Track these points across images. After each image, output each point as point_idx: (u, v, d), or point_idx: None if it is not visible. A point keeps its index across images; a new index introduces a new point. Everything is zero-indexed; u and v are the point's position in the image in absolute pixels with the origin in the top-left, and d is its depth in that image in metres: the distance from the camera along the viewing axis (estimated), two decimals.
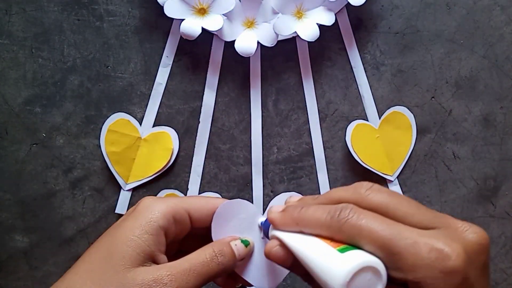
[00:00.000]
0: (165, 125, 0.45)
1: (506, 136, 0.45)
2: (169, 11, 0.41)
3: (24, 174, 0.45)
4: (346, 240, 0.24)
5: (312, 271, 0.24)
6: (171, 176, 0.45)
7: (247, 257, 0.31)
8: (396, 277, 0.23)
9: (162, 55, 0.44)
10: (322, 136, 0.45)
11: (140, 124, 0.44)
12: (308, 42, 0.43)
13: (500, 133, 0.45)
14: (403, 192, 0.45)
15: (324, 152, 0.45)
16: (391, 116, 0.45)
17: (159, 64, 0.44)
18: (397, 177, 0.45)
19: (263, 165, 0.45)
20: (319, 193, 0.44)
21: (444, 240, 0.22)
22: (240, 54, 0.42)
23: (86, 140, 0.45)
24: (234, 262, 0.29)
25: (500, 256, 0.46)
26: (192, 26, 0.41)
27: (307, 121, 0.45)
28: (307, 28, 0.42)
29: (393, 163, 0.45)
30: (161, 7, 0.41)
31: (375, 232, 0.23)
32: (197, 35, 0.41)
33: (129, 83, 0.45)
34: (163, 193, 0.44)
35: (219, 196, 0.45)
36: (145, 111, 0.45)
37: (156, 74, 0.44)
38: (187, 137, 0.45)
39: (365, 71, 0.45)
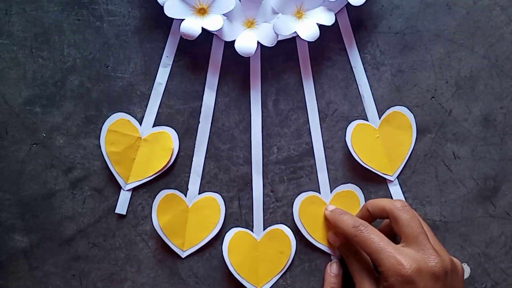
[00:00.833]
0: (165, 125, 0.45)
1: (506, 136, 0.45)
2: (169, 11, 0.41)
3: (24, 174, 0.45)
4: (357, 244, 0.38)
5: None
6: (171, 176, 0.45)
7: None
8: (383, 285, 0.36)
9: (162, 55, 0.44)
10: (322, 136, 0.45)
11: (140, 124, 0.44)
12: (308, 42, 0.43)
13: (500, 133, 0.45)
14: (403, 193, 0.45)
15: (324, 152, 0.45)
16: (391, 116, 0.45)
17: (159, 64, 0.44)
18: (397, 177, 0.45)
19: (263, 165, 0.45)
20: (319, 192, 0.45)
21: (410, 258, 0.35)
22: (240, 54, 0.42)
23: (86, 140, 0.45)
24: None
25: (500, 256, 0.46)
26: (192, 26, 0.41)
27: (307, 121, 0.45)
28: (307, 28, 0.42)
29: (393, 163, 0.45)
30: (161, 7, 0.41)
31: (373, 244, 0.36)
32: (197, 35, 0.41)
33: (129, 83, 0.45)
34: (163, 193, 0.44)
35: (219, 196, 0.45)
36: (145, 111, 0.45)
37: (156, 74, 0.45)
38: (187, 137, 0.45)
39: (365, 71, 0.45)
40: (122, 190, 0.45)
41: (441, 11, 0.44)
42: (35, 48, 0.44)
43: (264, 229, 0.45)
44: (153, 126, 0.45)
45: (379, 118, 0.45)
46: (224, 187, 0.45)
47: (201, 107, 0.45)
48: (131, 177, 0.44)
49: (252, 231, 0.45)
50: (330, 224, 0.44)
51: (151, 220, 0.44)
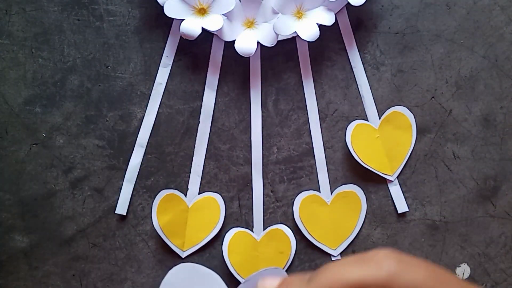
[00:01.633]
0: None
1: (506, 136, 0.45)
2: (169, 11, 0.41)
3: (24, 174, 0.45)
4: None
5: None
6: (171, 177, 0.45)
7: None
8: None
9: (162, 55, 0.44)
10: (322, 136, 0.45)
11: (142, 121, 0.44)
12: (308, 42, 0.43)
13: (500, 133, 0.45)
14: (403, 192, 0.45)
15: (324, 152, 0.45)
16: (391, 116, 0.45)
17: (159, 64, 0.44)
18: (397, 177, 0.45)
19: (263, 165, 0.45)
20: (319, 192, 0.45)
21: None
22: (240, 54, 0.42)
23: (86, 140, 0.45)
24: None
25: (500, 256, 0.46)
26: (192, 26, 0.41)
27: (307, 121, 0.45)
28: (307, 28, 0.42)
29: (393, 163, 0.45)
30: (161, 7, 0.41)
31: None
32: (197, 35, 0.41)
33: (129, 83, 0.45)
34: (163, 193, 0.44)
35: (219, 196, 0.45)
36: (145, 111, 0.45)
37: (156, 74, 0.45)
38: (187, 137, 0.45)
39: (365, 71, 0.45)
40: (123, 188, 0.44)
41: (441, 11, 0.44)
42: (35, 48, 0.44)
43: (264, 229, 0.45)
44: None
45: (379, 118, 0.45)
46: (224, 187, 0.45)
47: (201, 107, 0.45)
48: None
49: (252, 231, 0.45)
50: (329, 224, 0.44)
51: (151, 220, 0.44)
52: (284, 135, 0.45)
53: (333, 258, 0.45)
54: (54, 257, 0.45)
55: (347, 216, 0.45)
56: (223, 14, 0.41)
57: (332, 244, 0.45)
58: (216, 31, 0.42)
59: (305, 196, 0.44)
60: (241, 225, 0.45)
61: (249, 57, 0.44)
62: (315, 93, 0.45)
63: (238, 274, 0.43)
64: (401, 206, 0.45)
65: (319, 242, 0.44)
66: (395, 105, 0.45)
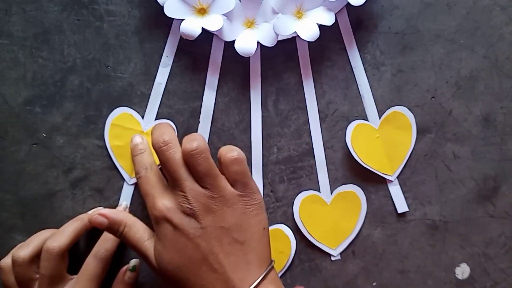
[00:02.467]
0: (165, 118, 0.45)
1: (506, 136, 0.45)
2: (169, 11, 0.41)
3: (24, 174, 0.45)
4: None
5: None
6: None
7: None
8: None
9: (162, 55, 0.44)
10: (322, 136, 0.45)
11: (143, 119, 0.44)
12: (308, 42, 0.43)
13: (500, 133, 0.45)
14: (403, 192, 0.45)
15: (324, 152, 0.45)
16: (391, 116, 0.45)
17: (159, 64, 0.44)
18: (397, 177, 0.45)
19: (263, 165, 0.45)
20: (319, 192, 0.45)
21: (166, 199, 0.38)
22: (240, 54, 0.42)
23: (86, 140, 0.45)
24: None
25: (500, 256, 0.46)
26: (192, 26, 0.41)
27: (307, 121, 0.45)
28: (307, 28, 0.42)
29: (393, 163, 0.45)
30: (161, 7, 0.41)
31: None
32: (197, 35, 0.41)
33: (129, 83, 0.45)
34: None
35: None
36: (145, 111, 0.45)
37: (156, 74, 0.44)
38: None
39: (365, 71, 0.45)
40: (123, 188, 0.44)
41: (441, 11, 0.44)
42: (35, 48, 0.44)
43: None
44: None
45: (379, 118, 0.45)
46: None
47: (201, 107, 0.45)
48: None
49: None
50: (329, 224, 0.44)
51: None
52: (284, 135, 0.45)
53: (333, 258, 0.45)
54: None
55: (347, 216, 0.45)
56: (223, 14, 0.41)
57: (332, 244, 0.45)
58: (216, 31, 0.42)
59: (305, 196, 0.45)
60: None
61: (249, 57, 0.44)
62: (315, 93, 0.45)
63: None
64: (401, 206, 0.45)
65: (319, 242, 0.44)
66: (395, 105, 0.45)
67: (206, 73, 0.45)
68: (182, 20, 0.41)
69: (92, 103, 0.45)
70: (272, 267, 0.37)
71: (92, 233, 0.44)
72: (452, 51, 0.45)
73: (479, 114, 0.45)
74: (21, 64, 0.44)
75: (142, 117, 0.44)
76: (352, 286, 0.45)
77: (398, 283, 0.45)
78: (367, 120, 0.45)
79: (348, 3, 0.41)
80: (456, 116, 0.45)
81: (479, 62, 0.45)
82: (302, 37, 0.41)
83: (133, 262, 0.43)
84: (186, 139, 0.37)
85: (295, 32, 0.42)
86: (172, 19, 0.42)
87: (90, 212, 0.44)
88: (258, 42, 0.42)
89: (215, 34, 0.43)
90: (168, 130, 0.38)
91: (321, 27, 0.42)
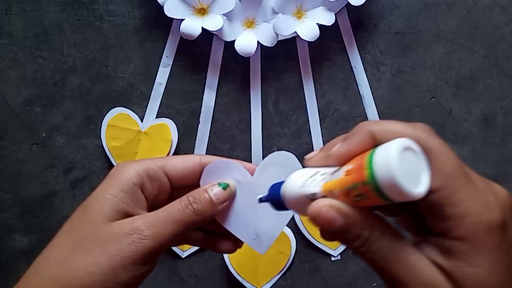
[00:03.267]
0: (165, 117, 0.44)
1: (506, 136, 0.45)
2: (169, 11, 0.41)
3: (24, 174, 0.45)
4: None
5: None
6: None
7: (229, 204, 0.29)
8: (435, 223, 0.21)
9: (162, 55, 0.44)
10: (322, 136, 0.45)
11: (142, 121, 0.44)
12: (308, 42, 0.43)
13: (500, 133, 0.45)
14: None
15: None
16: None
17: (159, 64, 0.44)
18: None
19: None
20: None
21: (489, 195, 0.21)
22: (240, 54, 0.42)
23: (86, 140, 0.45)
24: (213, 208, 0.28)
25: None
26: (192, 26, 0.41)
27: (307, 121, 0.45)
28: (307, 28, 0.42)
29: None
30: (161, 7, 0.41)
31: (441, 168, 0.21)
32: (197, 35, 0.41)
33: (129, 83, 0.45)
34: None
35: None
36: (145, 111, 0.45)
37: (156, 74, 0.44)
38: (187, 137, 0.45)
39: (365, 71, 0.45)
40: None
41: (441, 11, 0.44)
42: (35, 48, 0.44)
43: None
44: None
45: (379, 118, 0.45)
46: None
47: (201, 107, 0.45)
48: None
49: None
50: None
51: None
52: (284, 135, 0.45)
53: (333, 259, 0.45)
54: None
55: None
56: (223, 14, 0.41)
57: (332, 244, 0.45)
58: (216, 31, 0.42)
59: None
60: None
61: (249, 57, 0.44)
62: (315, 93, 0.45)
63: (238, 275, 0.43)
64: None
65: (319, 242, 0.44)
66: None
67: (206, 73, 0.45)
68: (182, 20, 0.41)
69: (92, 103, 0.45)
70: None
71: None
72: (452, 51, 0.45)
73: (479, 114, 0.45)
74: (21, 64, 0.44)
75: (142, 117, 0.44)
76: (352, 287, 0.45)
77: None
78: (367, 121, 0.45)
79: (348, 3, 0.41)
80: (456, 116, 0.45)
81: (479, 62, 0.45)
82: (302, 37, 0.41)
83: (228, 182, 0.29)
84: None
85: (295, 32, 0.42)
86: (172, 19, 0.42)
87: None
88: (258, 42, 0.42)
89: (215, 34, 0.43)
90: None
91: (321, 27, 0.42)
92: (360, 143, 0.22)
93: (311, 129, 0.45)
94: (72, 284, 0.25)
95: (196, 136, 0.45)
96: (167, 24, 0.44)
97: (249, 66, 0.44)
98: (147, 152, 0.44)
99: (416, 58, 0.45)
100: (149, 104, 0.44)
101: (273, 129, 0.45)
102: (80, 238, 0.26)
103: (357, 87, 0.45)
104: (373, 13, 0.45)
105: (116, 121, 0.44)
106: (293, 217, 0.44)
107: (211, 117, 0.45)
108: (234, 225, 0.29)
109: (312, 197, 0.22)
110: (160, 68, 0.44)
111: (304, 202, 0.22)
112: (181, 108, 0.45)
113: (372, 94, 0.45)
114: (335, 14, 0.42)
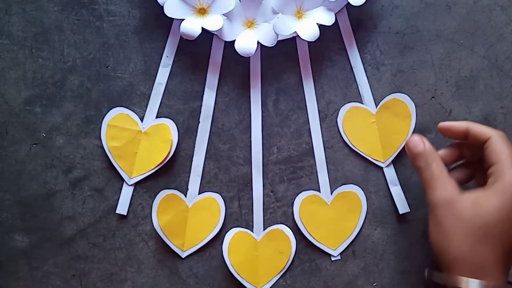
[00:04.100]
0: (165, 117, 0.44)
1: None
2: (169, 11, 0.41)
3: (24, 174, 0.45)
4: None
5: None
6: (171, 176, 0.45)
7: None
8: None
9: (162, 55, 0.44)
10: (322, 136, 0.45)
11: (142, 121, 0.44)
12: (308, 42, 0.43)
13: None
14: (403, 192, 0.45)
15: (324, 152, 0.45)
16: (391, 102, 0.44)
17: (159, 64, 0.44)
18: (398, 177, 0.45)
19: (263, 165, 0.45)
20: (319, 192, 0.45)
21: None
22: (240, 54, 0.42)
23: (86, 140, 0.45)
24: None
25: None
26: (192, 26, 0.41)
27: (307, 121, 0.45)
28: (307, 28, 0.42)
29: (386, 150, 0.44)
30: (161, 7, 0.41)
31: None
32: (197, 35, 0.41)
33: (129, 83, 0.45)
34: (163, 193, 0.44)
35: (219, 196, 0.45)
36: (145, 111, 0.45)
37: (156, 74, 0.45)
38: (187, 137, 0.45)
39: (365, 71, 0.45)
40: (123, 188, 0.44)
41: (441, 11, 0.44)
42: (35, 48, 0.44)
43: (264, 229, 0.45)
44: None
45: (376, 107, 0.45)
46: (224, 187, 0.45)
47: (201, 107, 0.45)
48: (135, 171, 0.44)
49: (252, 231, 0.45)
50: (329, 224, 0.44)
51: (151, 220, 0.44)
52: (284, 135, 0.45)
53: (333, 259, 0.45)
54: (54, 257, 0.45)
55: (347, 216, 0.45)
56: (223, 14, 0.42)
57: (332, 244, 0.45)
58: (216, 31, 0.42)
59: (305, 196, 0.44)
60: (241, 225, 0.45)
61: (249, 57, 0.44)
62: (315, 93, 0.45)
63: (238, 275, 0.43)
64: (403, 207, 0.45)
65: (319, 242, 0.44)
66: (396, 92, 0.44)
67: (206, 73, 0.45)
68: (182, 20, 0.41)
69: (92, 103, 0.45)
70: None
71: None
72: (452, 51, 0.45)
73: (479, 114, 0.45)
74: (21, 64, 0.44)
75: (142, 117, 0.44)
76: (352, 287, 0.45)
77: (398, 284, 0.45)
78: None
79: (348, 3, 0.41)
80: (456, 116, 0.45)
81: (479, 62, 0.45)
82: (302, 37, 0.41)
83: None
84: None
85: (295, 32, 0.42)
86: (172, 19, 0.43)
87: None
88: (258, 42, 0.42)
89: (215, 34, 0.43)
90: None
91: (321, 27, 0.42)
92: (457, 131, 0.39)
93: (311, 129, 0.45)
94: None
95: (196, 136, 0.45)
96: (167, 24, 0.44)
97: (249, 66, 0.45)
98: (147, 152, 0.44)
99: (416, 58, 0.45)
100: (149, 104, 0.45)
101: (273, 129, 0.45)
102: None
103: (357, 87, 0.45)
104: (373, 13, 0.45)
105: (116, 121, 0.44)
106: (293, 217, 0.45)
107: (211, 117, 0.45)
108: None
109: None
110: (160, 68, 0.44)
111: None
112: (181, 108, 0.45)
113: (372, 94, 0.45)
114: (335, 14, 0.42)
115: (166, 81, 0.45)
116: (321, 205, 0.45)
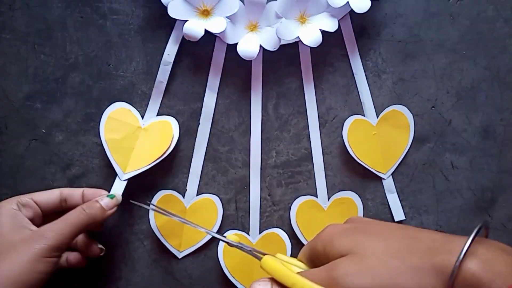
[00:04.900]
0: (167, 115, 0.44)
1: (505, 148, 0.45)
2: (173, 12, 0.41)
3: (22, 170, 0.45)
4: None
5: None
6: (169, 177, 0.45)
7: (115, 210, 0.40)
8: None
9: (164, 55, 0.44)
10: (321, 142, 0.45)
11: (142, 118, 0.44)
12: (311, 47, 0.43)
13: (499, 145, 0.45)
14: (400, 201, 0.45)
15: (323, 158, 0.45)
16: (390, 114, 0.44)
17: (161, 64, 0.44)
18: (395, 185, 0.45)
19: (261, 169, 0.45)
20: (316, 197, 0.45)
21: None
22: (242, 57, 0.42)
23: (85, 137, 0.45)
24: (103, 212, 0.39)
25: None
26: (195, 27, 0.41)
27: (306, 126, 0.45)
28: (310, 34, 0.42)
29: (387, 161, 0.45)
30: (165, 7, 0.41)
31: None
32: (199, 37, 0.41)
33: (130, 82, 0.45)
34: (161, 193, 0.44)
35: (217, 198, 0.45)
36: (145, 110, 0.45)
37: (157, 74, 0.44)
38: (186, 138, 0.45)
39: (367, 78, 0.45)
40: (117, 179, 0.44)
41: (445, 21, 0.44)
42: (38, 44, 0.44)
43: (260, 233, 0.45)
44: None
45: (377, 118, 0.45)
46: (221, 189, 0.45)
47: (202, 108, 0.45)
48: (129, 166, 0.43)
49: (248, 234, 0.45)
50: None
51: (148, 220, 0.44)
52: (283, 139, 0.45)
53: None
54: None
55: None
56: (226, 17, 0.41)
57: None
58: (219, 33, 0.42)
59: (302, 201, 0.45)
60: (237, 227, 0.45)
61: (251, 60, 0.44)
62: (316, 99, 0.45)
63: (233, 277, 0.43)
64: (398, 214, 0.45)
65: None
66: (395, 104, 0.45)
67: (208, 75, 0.45)
68: (185, 21, 0.41)
69: (93, 101, 0.45)
70: None
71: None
72: (454, 61, 0.45)
73: (478, 125, 0.45)
74: (23, 59, 0.44)
75: (142, 117, 0.44)
76: None
77: None
78: None
79: (352, 10, 0.41)
80: (456, 126, 0.45)
81: (480, 73, 0.45)
82: (304, 42, 0.41)
83: (114, 194, 0.42)
84: None
85: (298, 37, 0.42)
86: (175, 19, 0.42)
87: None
88: (261, 46, 0.42)
89: (217, 36, 0.43)
90: None
91: (324, 33, 0.42)
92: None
93: (310, 134, 0.45)
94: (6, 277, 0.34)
95: (195, 137, 0.45)
96: (170, 24, 0.44)
97: (250, 69, 0.45)
98: (144, 149, 0.43)
99: (417, 67, 0.45)
100: (149, 103, 0.44)
101: (273, 133, 0.45)
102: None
103: (358, 94, 0.45)
104: (376, 20, 0.45)
105: (117, 115, 0.44)
106: (289, 222, 0.45)
107: (211, 119, 0.45)
108: None
109: None
110: (161, 66, 0.44)
111: None
112: (181, 109, 0.45)
113: (373, 102, 0.45)
114: (338, 21, 0.42)
115: (167, 79, 0.44)
116: (318, 211, 0.45)
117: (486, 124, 0.45)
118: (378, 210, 0.45)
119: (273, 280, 0.30)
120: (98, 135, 0.44)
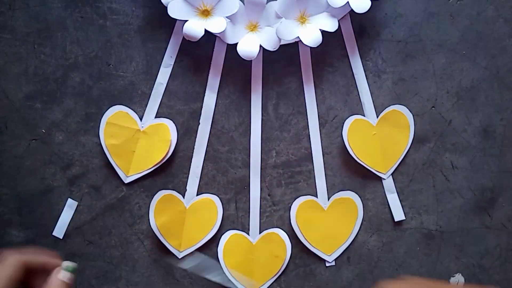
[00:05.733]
0: (165, 117, 0.44)
1: (505, 148, 0.45)
2: (173, 12, 0.41)
3: (22, 169, 0.45)
4: None
5: None
6: (169, 177, 0.45)
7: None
8: None
9: (164, 55, 0.44)
10: (321, 142, 0.45)
11: (141, 120, 0.44)
12: (311, 47, 0.43)
13: (499, 145, 0.45)
14: (400, 201, 0.45)
15: (323, 158, 0.45)
16: (390, 114, 0.44)
17: (161, 64, 0.44)
18: (395, 185, 0.45)
19: (261, 169, 0.45)
20: (316, 197, 0.45)
21: None
22: (242, 57, 0.42)
23: (85, 137, 0.45)
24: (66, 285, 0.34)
25: (495, 267, 0.46)
26: (195, 27, 0.41)
27: (306, 126, 0.45)
28: (310, 34, 0.42)
29: (387, 161, 0.45)
30: (165, 7, 0.41)
31: None
32: (200, 37, 0.41)
33: (130, 82, 0.45)
34: (161, 193, 0.44)
35: (217, 198, 0.45)
36: (145, 110, 0.45)
37: (158, 74, 0.44)
38: (186, 138, 0.45)
39: (367, 78, 0.45)
40: (63, 212, 0.44)
41: (445, 21, 0.44)
42: (38, 43, 0.44)
43: (260, 233, 0.45)
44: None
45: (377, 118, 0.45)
46: (221, 189, 0.45)
47: (202, 108, 0.45)
48: (132, 169, 0.44)
49: (248, 234, 0.45)
50: (325, 229, 0.44)
51: (148, 220, 0.44)
52: (283, 139, 0.45)
53: (327, 264, 0.45)
54: None
55: (343, 222, 0.45)
56: (226, 17, 0.41)
57: (327, 250, 0.45)
58: (219, 33, 0.42)
59: (302, 201, 0.45)
60: (237, 227, 0.45)
61: (251, 61, 0.44)
62: (316, 99, 0.45)
63: (233, 277, 0.43)
64: (398, 214, 0.45)
65: (314, 247, 0.44)
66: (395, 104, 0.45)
67: (208, 75, 0.45)
68: (185, 21, 0.41)
69: (93, 101, 0.45)
70: None
71: None
72: (453, 61, 0.45)
73: (478, 125, 0.45)
74: (23, 59, 0.44)
75: (142, 116, 0.44)
76: None
77: None
78: None
79: (352, 10, 0.41)
80: (456, 126, 0.45)
81: (480, 73, 0.45)
82: (304, 42, 0.41)
83: (70, 264, 0.35)
84: None
85: (298, 37, 0.42)
86: (175, 19, 0.42)
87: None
88: (261, 46, 0.42)
89: (217, 36, 0.43)
90: None
91: (324, 33, 0.42)
92: None
93: (310, 134, 0.45)
94: None
95: (195, 137, 0.45)
96: (170, 24, 0.44)
97: (250, 69, 0.45)
98: (145, 151, 0.44)
99: (417, 67, 0.45)
100: (149, 103, 0.45)
101: (273, 133, 0.45)
102: None
103: (358, 94, 0.45)
104: (376, 20, 0.45)
105: (115, 119, 0.44)
106: (289, 221, 0.45)
107: (211, 119, 0.45)
108: None
109: None
110: (162, 68, 0.44)
111: None
112: (181, 109, 0.45)
113: (373, 102, 0.45)
114: (338, 21, 0.42)
115: (167, 81, 0.45)
116: (317, 211, 0.45)
117: (486, 124, 0.45)
118: (378, 210, 0.45)
119: None
120: (98, 135, 0.44)
